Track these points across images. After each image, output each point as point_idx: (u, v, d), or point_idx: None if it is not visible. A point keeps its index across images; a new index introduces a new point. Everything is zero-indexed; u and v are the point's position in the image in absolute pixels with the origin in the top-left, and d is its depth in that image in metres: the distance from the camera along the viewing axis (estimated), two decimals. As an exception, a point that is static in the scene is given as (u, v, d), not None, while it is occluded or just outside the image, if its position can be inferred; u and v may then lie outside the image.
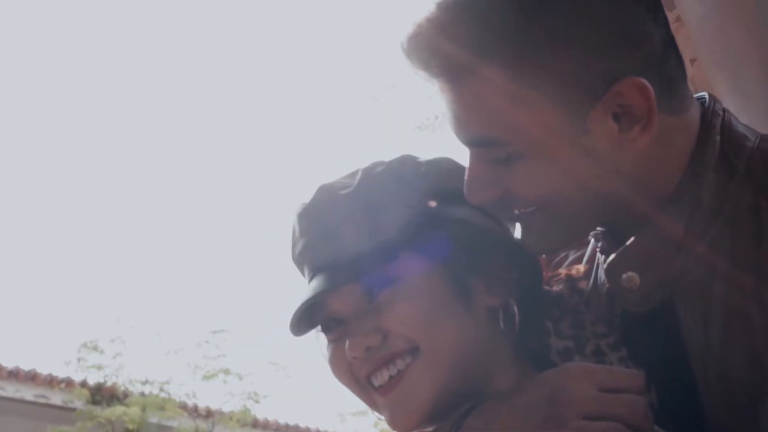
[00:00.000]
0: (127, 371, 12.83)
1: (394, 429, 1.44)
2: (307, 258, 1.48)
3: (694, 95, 1.44)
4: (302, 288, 1.50)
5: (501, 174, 1.37)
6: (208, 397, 13.29)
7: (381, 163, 1.50)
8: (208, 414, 12.97)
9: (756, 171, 1.35)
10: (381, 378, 1.42)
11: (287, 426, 14.74)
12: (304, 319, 1.46)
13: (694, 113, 1.40)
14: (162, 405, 12.35)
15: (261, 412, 13.89)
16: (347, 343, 1.42)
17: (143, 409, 12.17)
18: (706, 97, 1.44)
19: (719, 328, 1.34)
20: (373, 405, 1.46)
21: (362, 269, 1.41)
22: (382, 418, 1.45)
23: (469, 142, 1.39)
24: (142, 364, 13.06)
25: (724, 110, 1.42)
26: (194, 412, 12.95)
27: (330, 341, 1.47)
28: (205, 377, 13.08)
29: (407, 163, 1.50)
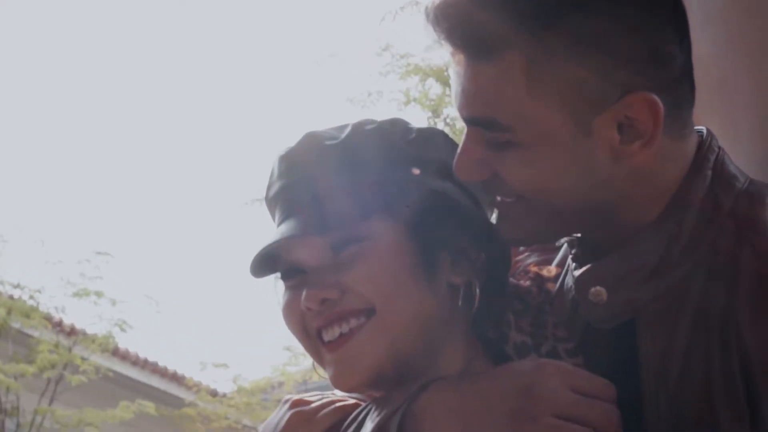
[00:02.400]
0: (0, 271, 12.57)
1: (335, 386, 1.44)
2: (281, 201, 1.46)
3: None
4: (270, 230, 1.49)
5: (494, 157, 1.37)
6: (76, 316, 13.10)
7: (372, 122, 1.50)
8: (72, 332, 12.75)
9: (741, 213, 1.37)
10: (331, 333, 1.41)
11: (146, 361, 14.59)
12: (266, 261, 1.45)
13: (691, 143, 1.42)
14: (28, 312, 12.10)
15: (124, 342, 13.76)
16: (304, 293, 1.41)
17: (8, 312, 11.92)
18: (705, 131, 1.45)
19: (678, 363, 1.35)
20: (319, 359, 1.46)
21: (333, 222, 1.41)
22: (325, 375, 1.45)
23: (471, 120, 1.39)
24: (18, 267, 12.81)
25: (719, 147, 1.43)
26: (58, 326, 12.73)
27: (287, 288, 1.46)
28: (77, 294, 12.88)
29: (398, 126, 1.50)
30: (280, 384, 14.70)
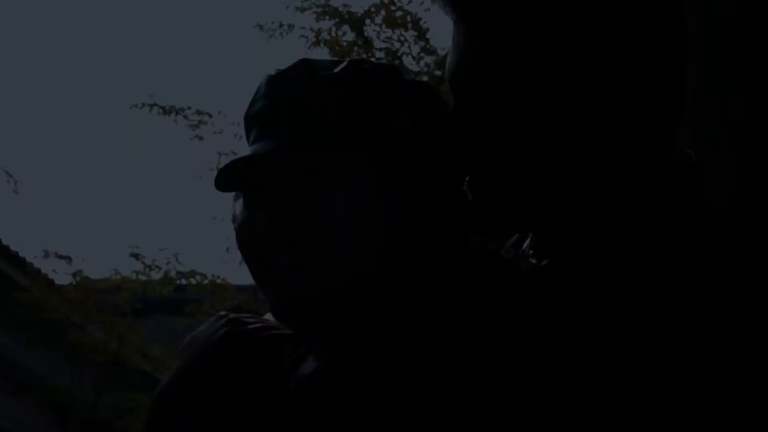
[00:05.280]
0: None
1: (273, 314, 1.43)
2: (260, 119, 1.44)
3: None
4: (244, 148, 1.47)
5: None
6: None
7: (369, 63, 1.50)
8: None
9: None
10: (279, 260, 1.39)
11: (-9, 239, 14.22)
12: (232, 176, 1.43)
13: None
14: None
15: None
16: (261, 214, 1.40)
17: None
18: (693, 156, 1.46)
19: None
20: (263, 284, 1.43)
21: (307, 150, 1.39)
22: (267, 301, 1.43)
23: (459, 90, 1.39)
24: None
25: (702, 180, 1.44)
26: None
27: (246, 208, 1.44)
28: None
29: (394, 73, 1.49)
30: (119, 288, 14.50)
